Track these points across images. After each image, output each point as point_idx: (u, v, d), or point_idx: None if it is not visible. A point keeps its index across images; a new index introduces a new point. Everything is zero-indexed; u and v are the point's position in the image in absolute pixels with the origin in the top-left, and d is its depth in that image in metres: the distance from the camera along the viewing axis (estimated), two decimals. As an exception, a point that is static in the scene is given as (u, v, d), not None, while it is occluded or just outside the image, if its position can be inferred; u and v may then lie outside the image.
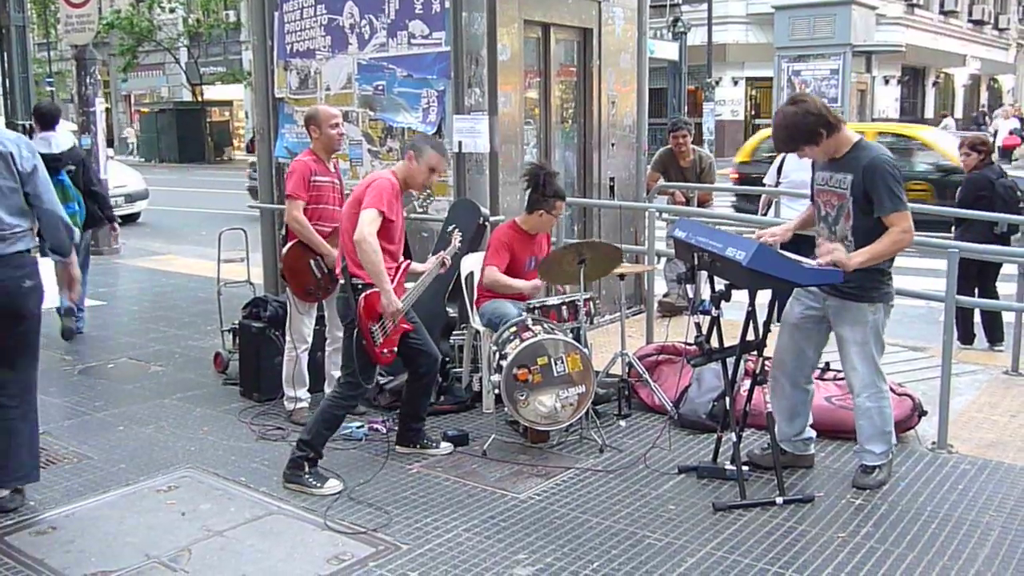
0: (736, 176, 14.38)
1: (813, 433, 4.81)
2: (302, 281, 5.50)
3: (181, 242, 14.33)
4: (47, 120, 7.62)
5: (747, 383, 4.79)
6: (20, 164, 4.21)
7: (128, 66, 37.82)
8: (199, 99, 39.14)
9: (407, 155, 4.82)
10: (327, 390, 5.58)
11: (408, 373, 5.06)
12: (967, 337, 7.34)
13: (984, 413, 5.65)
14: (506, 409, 5.02)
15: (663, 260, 7.96)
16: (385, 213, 4.56)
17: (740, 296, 4.47)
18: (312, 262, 5.46)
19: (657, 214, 7.38)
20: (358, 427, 5.35)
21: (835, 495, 4.46)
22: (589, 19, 7.63)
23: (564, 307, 5.33)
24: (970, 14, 41.83)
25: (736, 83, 33.83)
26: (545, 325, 5.14)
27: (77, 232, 4.85)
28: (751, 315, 4.46)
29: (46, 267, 6.37)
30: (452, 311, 6.18)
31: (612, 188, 8.04)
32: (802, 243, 5.02)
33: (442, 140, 6.30)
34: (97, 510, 4.42)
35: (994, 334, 7.32)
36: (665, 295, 8.38)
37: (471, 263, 5.91)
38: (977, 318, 7.39)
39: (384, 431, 5.32)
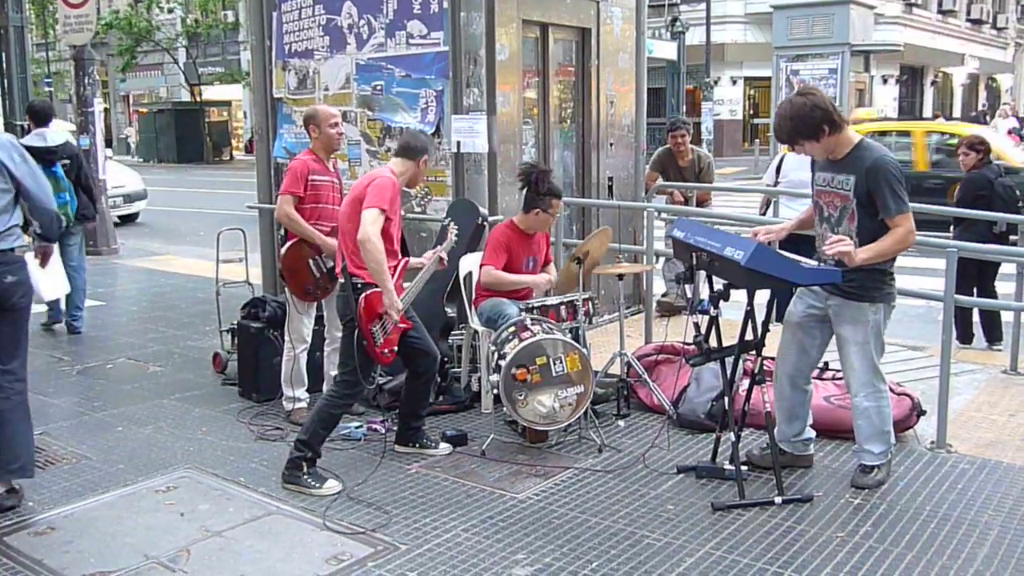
0: None
1: (812, 433, 4.81)
2: (301, 281, 5.50)
3: (180, 242, 14.33)
4: (41, 117, 7.85)
5: (746, 383, 4.80)
6: (14, 170, 4.38)
7: (126, 66, 37.84)
8: (197, 99, 39.15)
9: (420, 160, 4.84)
10: (326, 390, 5.58)
11: (407, 373, 5.06)
12: (966, 336, 7.35)
13: (983, 412, 5.66)
14: (505, 409, 5.02)
15: (662, 260, 7.96)
16: (387, 212, 4.57)
17: (739, 296, 4.47)
18: (311, 262, 5.46)
19: (656, 214, 7.38)
20: (357, 427, 5.35)
21: (834, 495, 4.46)
22: (587, 19, 7.63)
23: (563, 307, 5.33)
24: (968, 13, 41.83)
25: (734, 83, 33.85)
26: (544, 325, 5.14)
27: (63, 221, 5.15)
28: (749, 315, 4.46)
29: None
30: (451, 311, 6.18)
31: (611, 188, 8.04)
32: (801, 243, 5.02)
33: (438, 141, 6.31)
34: (96, 510, 4.42)
35: (993, 333, 7.33)
36: (664, 295, 8.38)
37: (470, 263, 5.90)
38: (976, 317, 7.40)
39: (383, 431, 5.32)
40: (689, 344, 4.75)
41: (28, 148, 4.83)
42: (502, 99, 6.65)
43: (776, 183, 7.97)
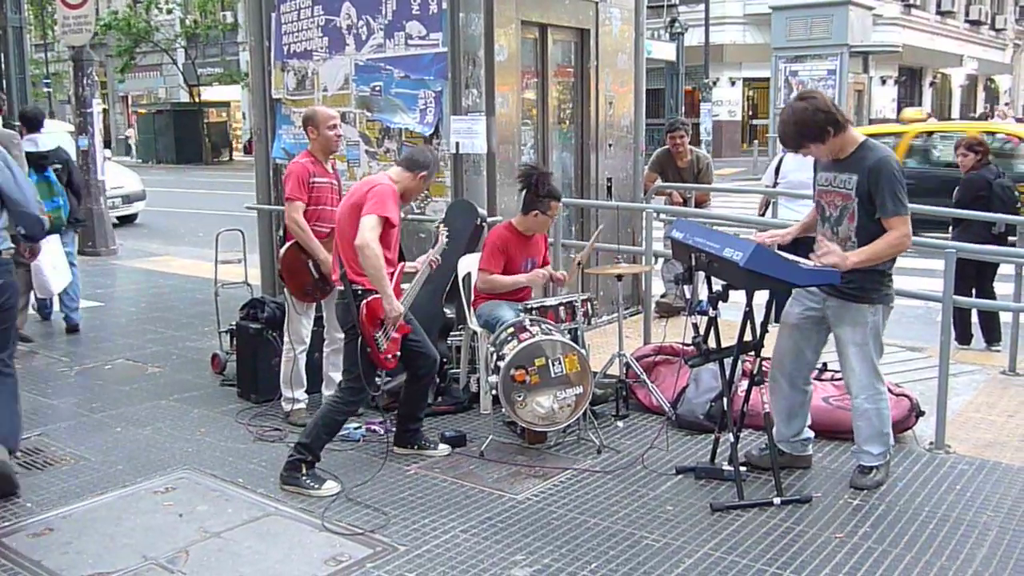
0: None
1: (811, 434, 4.81)
2: (300, 281, 5.49)
3: (178, 243, 14.33)
4: (33, 123, 7.99)
5: (744, 384, 4.79)
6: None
7: (125, 67, 37.86)
8: (196, 100, 39.15)
9: (419, 175, 4.83)
10: (325, 391, 5.58)
11: (407, 374, 5.06)
12: (965, 337, 7.35)
13: (981, 413, 5.66)
14: (504, 410, 5.02)
15: (661, 261, 7.96)
16: (389, 219, 4.57)
17: (737, 297, 4.47)
18: (310, 262, 5.46)
19: (655, 215, 7.39)
20: (356, 428, 5.35)
21: (833, 495, 4.47)
22: (586, 20, 7.63)
23: (562, 308, 5.33)
24: (967, 14, 41.88)
25: (733, 84, 33.88)
26: (543, 326, 5.13)
27: (47, 221, 5.31)
28: (748, 315, 4.46)
29: (47, 257, 6.92)
30: (449, 312, 6.18)
31: (610, 189, 8.04)
32: (800, 244, 5.02)
33: (437, 141, 6.31)
34: (94, 511, 4.41)
35: (991, 334, 7.33)
36: (663, 296, 8.38)
37: (468, 264, 5.90)
38: (975, 318, 7.40)
39: (382, 432, 5.32)
40: (688, 345, 4.75)
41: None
42: (501, 100, 6.65)
43: (775, 184, 7.98)
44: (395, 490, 4.60)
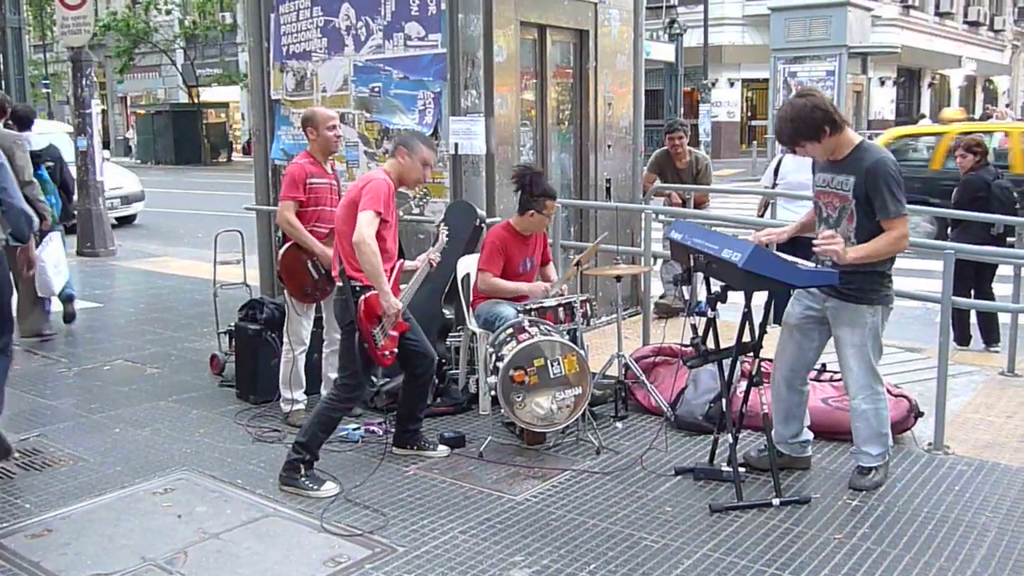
0: None
1: (810, 435, 4.81)
2: (299, 282, 5.49)
3: (177, 244, 14.32)
4: (24, 122, 7.99)
5: (743, 384, 4.79)
6: None
7: (124, 68, 37.84)
8: (195, 101, 39.14)
9: (398, 152, 4.80)
10: (323, 392, 5.58)
11: (404, 375, 5.06)
12: (963, 338, 7.36)
13: (980, 414, 5.66)
14: (502, 411, 5.02)
15: (659, 262, 7.96)
16: (383, 214, 4.57)
17: (736, 298, 4.47)
18: (309, 263, 5.46)
19: (653, 215, 7.39)
20: (354, 429, 5.35)
21: (832, 496, 4.47)
22: (585, 21, 7.63)
23: (560, 309, 5.33)
24: (965, 15, 41.91)
25: (732, 85, 33.90)
26: (541, 327, 5.13)
27: (36, 221, 5.28)
28: (747, 316, 4.46)
29: (50, 256, 7.23)
30: (448, 312, 6.18)
31: (608, 189, 8.04)
32: (799, 245, 5.02)
33: (436, 142, 6.30)
34: (93, 512, 4.41)
35: (990, 335, 7.33)
36: (661, 297, 8.38)
37: (467, 264, 5.90)
38: (973, 319, 7.41)
39: (381, 433, 5.32)
40: (687, 346, 4.74)
41: None
42: (500, 101, 6.65)
43: (774, 185, 7.98)
44: (394, 491, 4.60)
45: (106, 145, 21.70)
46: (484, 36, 6.44)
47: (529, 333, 5.01)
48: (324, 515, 4.30)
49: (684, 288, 4.81)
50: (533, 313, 5.27)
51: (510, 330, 5.11)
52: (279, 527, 4.23)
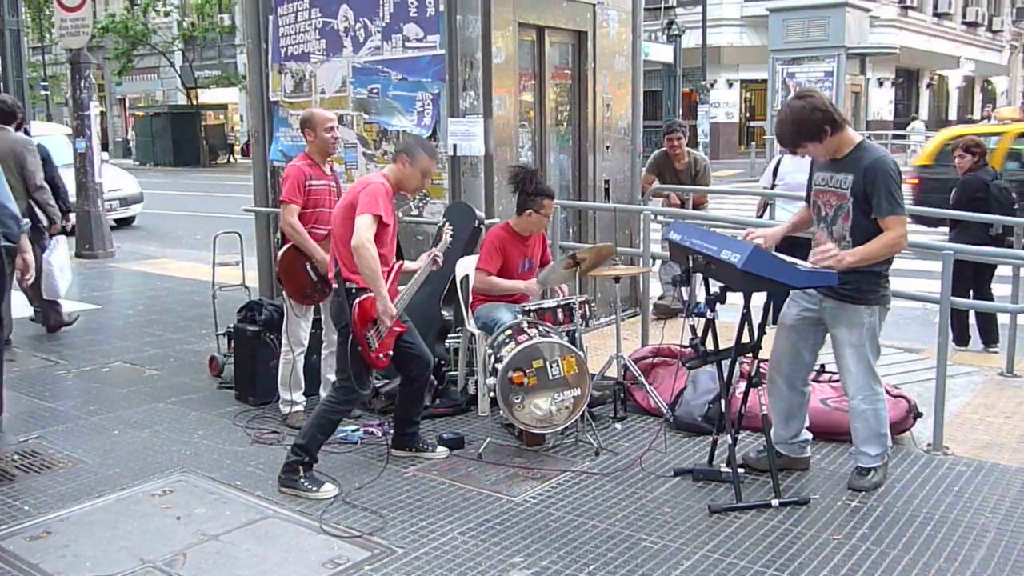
0: (917, 181, 12.95)
1: (809, 436, 4.81)
2: (298, 284, 5.49)
3: (176, 246, 14.32)
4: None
5: (742, 385, 4.79)
6: None
7: (123, 70, 37.83)
8: (194, 103, 39.14)
9: (399, 159, 4.81)
10: (323, 393, 5.57)
11: (401, 378, 5.06)
12: (962, 339, 7.36)
13: (979, 415, 5.66)
14: (501, 412, 5.01)
15: (658, 262, 7.97)
16: (382, 218, 4.57)
17: (735, 298, 4.47)
18: (308, 265, 5.46)
19: (652, 216, 7.39)
20: (353, 431, 5.34)
21: (831, 497, 4.47)
22: (583, 22, 7.64)
23: (559, 310, 5.33)
24: (963, 16, 41.97)
25: (731, 85, 33.93)
26: (540, 328, 5.14)
27: (26, 222, 5.34)
28: (746, 317, 4.46)
29: (56, 259, 7.40)
30: (447, 314, 6.18)
31: (607, 190, 8.05)
32: (797, 245, 5.02)
33: (435, 143, 6.31)
34: (92, 514, 4.41)
35: (989, 336, 7.34)
36: (660, 297, 8.38)
37: (466, 266, 5.90)
38: (972, 319, 7.41)
39: (380, 435, 5.32)
40: (686, 347, 4.74)
41: None
42: (498, 102, 6.65)
43: (773, 185, 7.98)
44: (393, 492, 4.60)
45: (105, 147, 21.72)
46: (483, 37, 6.44)
47: (528, 334, 5.01)
48: (323, 517, 4.29)
49: (683, 289, 4.81)
50: (532, 314, 5.27)
51: (509, 331, 5.12)
52: (278, 529, 4.22)
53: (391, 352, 4.72)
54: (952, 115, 43.42)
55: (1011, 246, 7.12)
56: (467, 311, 5.80)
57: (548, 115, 7.51)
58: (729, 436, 4.50)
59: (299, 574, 3.81)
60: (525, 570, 3.79)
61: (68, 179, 9.31)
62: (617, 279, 5.79)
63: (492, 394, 4.99)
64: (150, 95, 45.91)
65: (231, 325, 6.44)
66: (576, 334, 5.28)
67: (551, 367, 4.91)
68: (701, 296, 4.70)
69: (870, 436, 4.51)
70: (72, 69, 12.43)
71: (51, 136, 12.48)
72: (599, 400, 5.71)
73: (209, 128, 39.35)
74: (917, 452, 5.04)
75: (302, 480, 4.58)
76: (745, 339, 4.49)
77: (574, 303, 5.33)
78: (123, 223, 16.31)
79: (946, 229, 7.78)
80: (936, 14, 39.18)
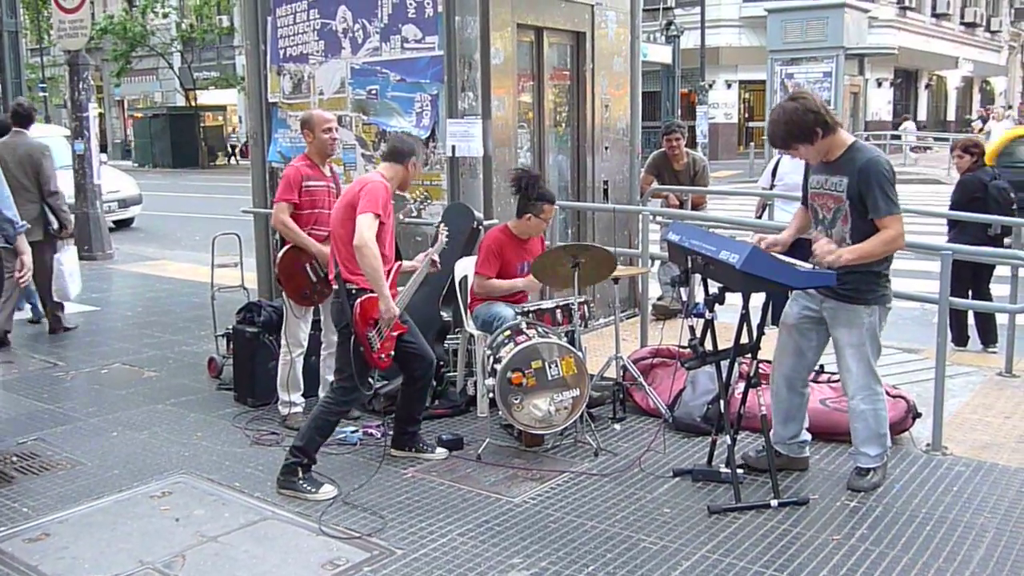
0: None
1: (808, 436, 4.81)
2: (297, 285, 5.49)
3: (175, 247, 14.33)
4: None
5: (741, 386, 4.79)
6: None
7: (121, 71, 37.86)
8: (192, 104, 39.15)
9: (407, 163, 4.83)
10: (321, 395, 5.57)
11: (403, 377, 5.06)
12: (961, 339, 7.36)
13: (978, 415, 5.66)
14: (500, 413, 5.01)
15: (657, 263, 7.97)
16: (382, 217, 4.57)
17: (734, 299, 4.47)
18: (307, 266, 5.46)
19: (651, 217, 7.39)
20: (352, 431, 5.34)
21: (830, 497, 4.47)
22: (582, 23, 7.64)
23: (558, 310, 5.33)
24: (962, 17, 42.01)
25: (729, 86, 33.94)
26: (539, 329, 5.14)
27: (24, 224, 5.40)
28: (745, 318, 4.47)
29: (67, 264, 7.62)
30: (446, 315, 6.18)
31: (606, 191, 8.05)
32: (796, 246, 5.02)
33: (433, 144, 6.32)
34: (91, 516, 4.40)
35: (988, 336, 7.34)
36: (659, 298, 8.38)
37: (465, 267, 5.90)
38: (971, 320, 7.41)
39: (379, 435, 5.32)
40: (685, 347, 4.74)
41: None
42: (497, 103, 6.65)
43: (772, 186, 7.99)
44: (392, 494, 4.59)
45: (103, 148, 21.74)
46: (481, 38, 6.44)
47: (527, 335, 5.01)
48: (322, 518, 4.29)
49: (682, 289, 4.80)
50: (531, 315, 5.27)
51: (508, 332, 5.12)
52: (277, 530, 4.22)
53: (393, 352, 4.72)
54: (951, 116, 43.46)
55: (1010, 246, 7.12)
56: (466, 312, 5.80)
57: (547, 116, 7.51)
58: (728, 437, 4.50)
59: (298, 575, 3.80)
60: (524, 571, 3.79)
61: (67, 181, 9.32)
62: (616, 280, 5.79)
63: (491, 395, 4.99)
64: (149, 97, 45.92)
65: (230, 326, 6.44)
66: (575, 335, 5.28)
67: (550, 368, 4.91)
68: (700, 297, 4.70)
69: (870, 436, 4.51)
70: (70, 71, 12.43)
71: (50, 138, 12.43)
72: (598, 401, 5.71)
73: (208, 130, 39.35)
74: (916, 452, 5.04)
75: (301, 481, 4.57)
76: (744, 340, 4.50)
77: (573, 304, 5.33)
78: (122, 225, 16.31)
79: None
80: (934, 15, 39.22)
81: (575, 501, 4.48)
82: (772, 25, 21.53)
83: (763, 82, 23.31)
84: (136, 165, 37.49)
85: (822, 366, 5.40)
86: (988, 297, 7.36)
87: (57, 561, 3.95)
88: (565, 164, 7.90)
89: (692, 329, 4.54)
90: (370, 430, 5.41)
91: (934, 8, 39.08)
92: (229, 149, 40.35)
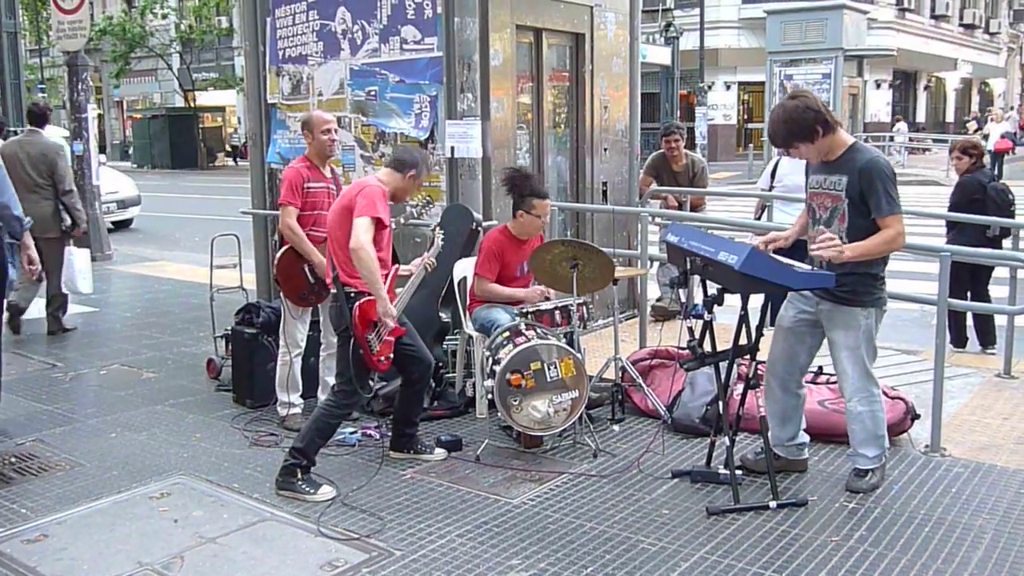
0: None
1: (806, 438, 4.81)
2: (296, 286, 5.49)
3: (174, 248, 14.33)
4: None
5: (740, 387, 4.79)
6: None
7: (120, 72, 37.84)
8: (191, 105, 39.14)
9: (409, 176, 4.81)
10: (320, 396, 5.57)
11: (401, 379, 5.06)
12: (960, 340, 7.36)
13: (977, 416, 5.66)
14: (499, 414, 5.01)
15: (656, 264, 7.97)
16: (380, 220, 4.57)
17: (733, 300, 4.47)
18: (306, 267, 5.46)
19: (650, 218, 7.39)
20: (351, 433, 5.34)
21: (828, 499, 4.47)
22: (581, 24, 7.64)
23: (557, 312, 5.33)
24: (961, 18, 42.04)
25: (728, 87, 33.95)
26: (538, 330, 5.14)
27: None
28: (744, 319, 4.47)
29: (83, 259, 7.91)
30: (445, 316, 6.18)
31: (605, 192, 8.05)
32: (796, 247, 5.02)
33: (432, 145, 6.31)
34: (89, 517, 4.40)
35: (986, 337, 7.34)
36: (658, 299, 8.38)
37: (464, 268, 5.90)
38: (969, 321, 7.41)
39: (378, 437, 5.32)
40: (683, 349, 4.74)
41: None
42: (496, 104, 6.65)
43: (771, 187, 7.99)
44: (391, 495, 4.59)
45: (102, 149, 21.75)
46: (480, 39, 6.45)
47: (526, 336, 5.01)
48: (321, 519, 4.29)
49: (681, 291, 4.81)
50: (530, 317, 5.27)
51: (507, 334, 5.11)
52: (276, 531, 4.22)
53: (392, 355, 4.72)
54: (950, 117, 43.48)
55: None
56: (465, 313, 5.80)
57: (546, 117, 7.51)
58: (727, 438, 4.50)
59: (297, 576, 3.81)
60: (523, 572, 3.79)
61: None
62: (615, 281, 5.79)
63: (490, 396, 4.98)
64: (148, 97, 45.91)
65: (229, 327, 6.44)
66: (574, 336, 5.28)
67: (549, 369, 4.90)
68: (699, 298, 4.70)
69: (867, 438, 4.51)
70: (69, 71, 12.42)
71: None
72: (597, 402, 5.71)
73: (206, 131, 39.35)
74: (915, 454, 5.05)
75: (300, 483, 4.57)
76: (743, 341, 4.50)
77: (572, 305, 5.33)
78: (121, 225, 16.32)
79: None
80: (933, 16, 39.25)
81: (574, 502, 4.48)
82: (771, 26, 21.54)
83: (762, 83, 23.34)
84: (135, 166, 37.49)
85: (820, 367, 5.41)
86: (987, 298, 7.36)
87: (55, 562, 3.95)
88: (564, 165, 7.90)
89: (691, 330, 4.54)
90: (369, 431, 5.41)
91: (933, 10, 39.12)
92: (230, 149, 40.34)
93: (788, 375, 4.64)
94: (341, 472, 4.86)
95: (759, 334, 4.55)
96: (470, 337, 5.74)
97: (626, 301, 8.16)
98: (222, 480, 4.81)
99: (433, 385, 5.71)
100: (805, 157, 4.52)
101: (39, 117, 8.26)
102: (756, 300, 4.49)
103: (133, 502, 4.57)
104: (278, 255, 5.52)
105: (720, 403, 4.55)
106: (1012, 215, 7.23)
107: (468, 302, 5.77)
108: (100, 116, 43.24)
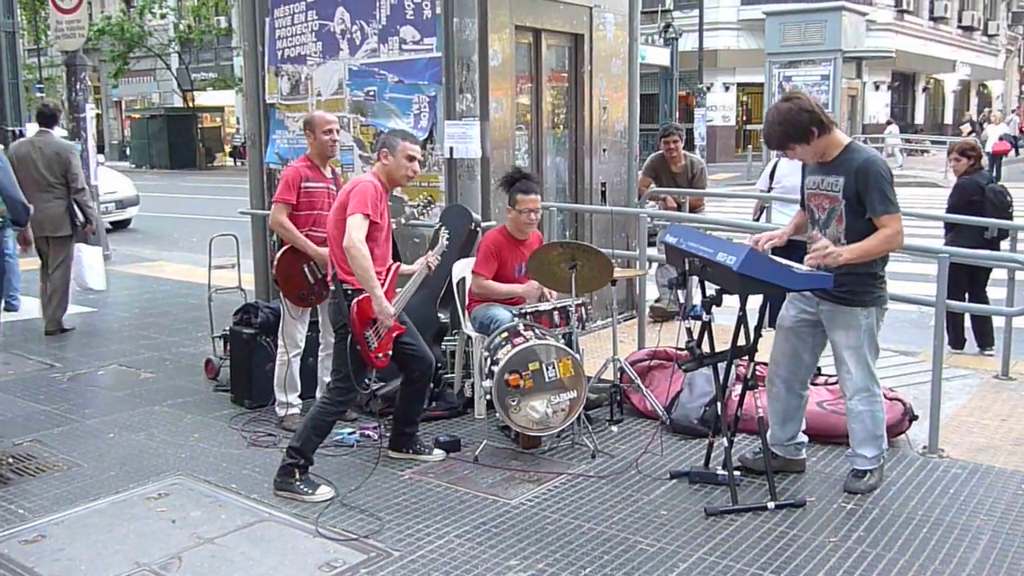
0: None
1: (805, 438, 4.81)
2: (295, 286, 5.49)
3: (172, 248, 14.32)
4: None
5: (738, 388, 4.80)
6: None
7: (119, 72, 37.82)
8: (190, 105, 39.12)
9: (380, 154, 4.79)
10: (319, 396, 5.57)
11: (402, 378, 5.05)
12: (958, 342, 7.37)
13: (975, 417, 5.67)
14: (498, 415, 5.02)
15: (654, 265, 7.97)
16: (371, 216, 4.56)
17: (731, 301, 4.47)
18: (305, 267, 5.46)
19: (648, 219, 7.38)
20: (349, 433, 5.34)
21: (827, 500, 4.47)
22: (580, 25, 7.64)
23: (556, 312, 5.33)
24: (959, 20, 42.07)
25: (727, 89, 33.96)
26: (536, 331, 5.14)
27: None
28: (742, 320, 4.47)
29: (93, 255, 8.42)
30: (444, 316, 6.18)
31: (604, 193, 8.05)
32: (794, 248, 5.03)
33: (431, 146, 6.30)
34: (87, 518, 4.40)
35: (984, 339, 7.35)
36: (657, 300, 8.38)
37: (463, 268, 5.90)
38: (968, 323, 7.42)
39: (376, 437, 5.31)
40: (682, 349, 4.74)
41: None
42: (495, 105, 6.65)
43: (770, 188, 7.99)
44: (389, 495, 4.59)
45: (101, 149, 21.72)
46: (479, 40, 6.45)
47: (524, 337, 5.01)
48: (319, 519, 4.29)
49: (679, 292, 4.81)
50: (528, 317, 5.27)
51: (505, 334, 5.11)
52: (274, 532, 4.22)
53: (390, 352, 4.72)
54: (948, 119, 43.50)
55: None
56: (464, 313, 5.80)
57: (545, 118, 7.51)
58: (725, 439, 4.50)
59: (295, 577, 3.80)
60: (521, 573, 3.79)
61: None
62: (614, 282, 5.79)
63: (488, 397, 4.98)
64: (146, 97, 45.89)
65: (227, 328, 6.43)
66: (572, 337, 5.28)
67: (547, 370, 4.90)
68: (697, 299, 4.70)
69: (867, 438, 4.51)
70: (68, 71, 12.41)
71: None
72: (595, 403, 5.71)
73: (205, 131, 39.34)
74: (913, 455, 5.05)
75: (298, 483, 4.57)
76: (741, 342, 4.49)
77: (570, 306, 5.33)
78: (119, 226, 16.31)
79: None
80: (932, 18, 39.27)
81: (572, 503, 4.48)
82: (770, 28, 21.59)
83: (761, 85, 23.39)
84: (133, 166, 37.48)
85: (819, 369, 5.40)
86: (985, 300, 7.37)
87: (53, 563, 3.94)
88: (563, 166, 7.91)
89: (689, 331, 4.54)
90: (367, 431, 5.41)
91: (932, 11, 39.15)
92: (230, 149, 40.32)
93: (792, 375, 4.64)
94: (339, 472, 4.86)
95: (757, 335, 4.55)
96: (469, 337, 5.73)
97: (625, 302, 8.16)
98: (220, 480, 4.81)
99: (432, 385, 5.70)
100: (801, 158, 4.52)
101: (49, 118, 8.41)
102: (755, 301, 4.50)
103: (131, 502, 4.56)
104: (277, 255, 5.52)
105: (718, 404, 4.55)
106: (1010, 217, 7.23)
107: (467, 302, 5.77)
108: (98, 116, 43.23)
